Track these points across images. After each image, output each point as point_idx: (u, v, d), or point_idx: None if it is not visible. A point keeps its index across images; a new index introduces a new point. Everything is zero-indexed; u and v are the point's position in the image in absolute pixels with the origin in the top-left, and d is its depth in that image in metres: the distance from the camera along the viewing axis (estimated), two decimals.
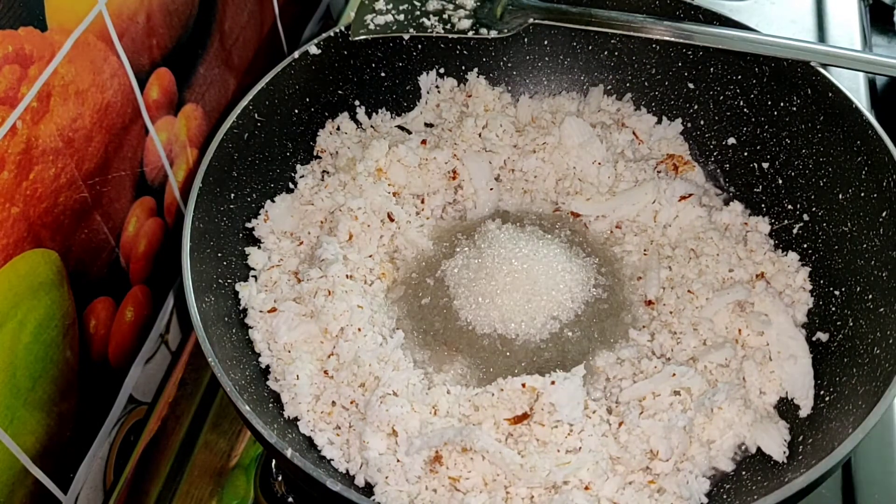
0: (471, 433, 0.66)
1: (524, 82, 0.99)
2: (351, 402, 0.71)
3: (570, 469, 0.66)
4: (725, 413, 0.71)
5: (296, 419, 0.71)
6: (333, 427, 0.71)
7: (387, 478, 0.66)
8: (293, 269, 0.81)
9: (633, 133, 0.94)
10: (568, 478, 0.66)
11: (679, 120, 0.94)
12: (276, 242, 0.83)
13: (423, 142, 0.89)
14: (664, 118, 0.95)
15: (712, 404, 0.71)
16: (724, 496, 0.68)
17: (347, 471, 0.69)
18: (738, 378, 0.74)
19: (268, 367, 0.75)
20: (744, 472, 0.71)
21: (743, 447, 0.72)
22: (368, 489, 0.68)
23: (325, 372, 0.73)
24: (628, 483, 0.68)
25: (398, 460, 0.66)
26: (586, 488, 0.66)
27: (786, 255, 0.82)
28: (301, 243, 0.83)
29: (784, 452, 0.70)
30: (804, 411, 0.73)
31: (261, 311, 0.77)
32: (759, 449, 0.71)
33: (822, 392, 0.73)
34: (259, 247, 0.82)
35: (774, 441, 0.70)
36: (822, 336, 0.77)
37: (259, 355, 0.75)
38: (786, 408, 0.74)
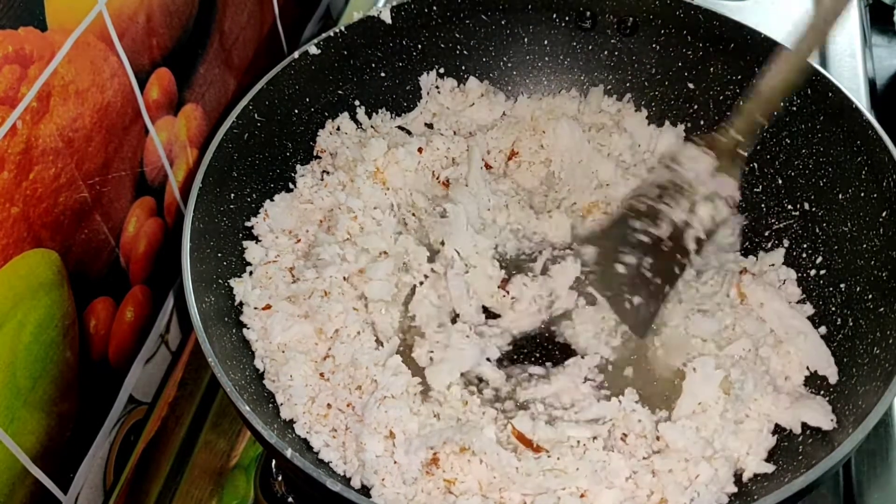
0: (469, 432, 0.66)
1: (524, 82, 0.99)
2: (347, 405, 0.70)
3: (566, 479, 0.66)
4: (761, 406, 0.71)
5: (292, 421, 0.71)
6: (330, 430, 0.71)
7: (383, 480, 0.66)
8: (289, 266, 0.80)
9: (632, 137, 0.94)
10: (564, 484, 0.66)
11: (681, 126, 0.94)
12: (273, 240, 0.82)
13: (420, 150, 0.89)
14: (666, 122, 0.95)
15: (745, 397, 0.70)
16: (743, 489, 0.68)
17: (344, 472, 0.69)
18: (762, 368, 0.74)
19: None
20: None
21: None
22: (365, 492, 0.68)
23: (321, 374, 0.73)
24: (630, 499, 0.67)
25: (395, 462, 0.66)
26: (582, 496, 0.66)
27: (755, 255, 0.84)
28: (299, 241, 0.83)
29: (831, 420, 0.69)
30: (832, 378, 0.72)
31: (255, 308, 0.76)
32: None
33: (822, 392, 0.73)
34: (257, 242, 0.82)
35: (818, 412, 0.69)
36: (821, 335, 0.77)
37: (260, 358, 0.75)
38: (815, 384, 0.74)
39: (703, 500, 0.66)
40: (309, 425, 0.71)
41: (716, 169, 0.74)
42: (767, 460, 0.69)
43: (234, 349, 0.73)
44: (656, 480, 0.67)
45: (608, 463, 0.67)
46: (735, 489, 0.68)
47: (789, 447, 0.70)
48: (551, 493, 0.65)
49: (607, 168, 0.90)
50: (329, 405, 0.71)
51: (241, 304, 0.77)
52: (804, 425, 0.70)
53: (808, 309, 0.79)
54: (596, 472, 0.66)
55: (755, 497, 0.66)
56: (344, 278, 0.78)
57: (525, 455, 0.67)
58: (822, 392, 0.73)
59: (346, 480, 0.68)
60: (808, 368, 0.74)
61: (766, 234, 0.86)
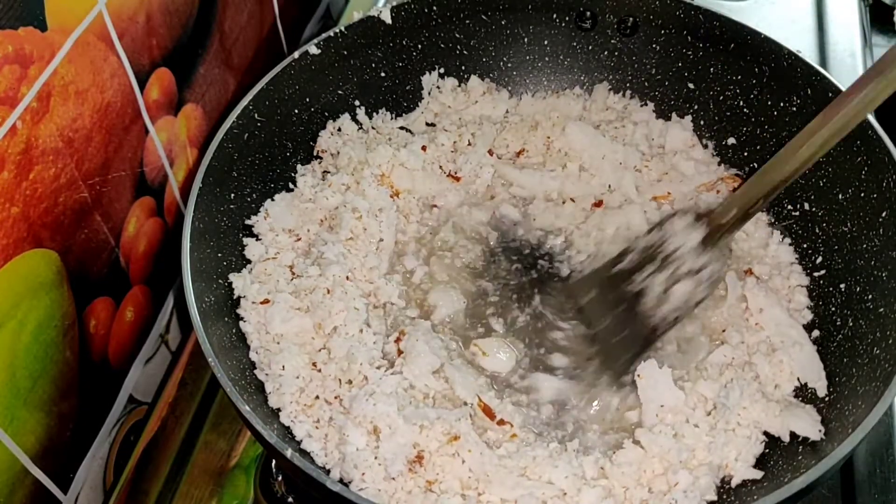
0: (456, 416, 0.67)
1: (524, 82, 0.99)
2: (335, 398, 0.70)
3: (537, 485, 0.66)
4: (750, 413, 0.70)
5: (278, 410, 0.71)
6: (313, 420, 0.70)
7: (363, 474, 0.65)
8: (288, 264, 0.80)
9: (647, 126, 0.94)
10: (542, 487, 0.66)
11: (689, 117, 0.94)
12: (274, 238, 0.82)
13: (423, 147, 0.90)
14: (673, 115, 0.95)
15: (732, 406, 0.70)
16: (726, 497, 0.68)
17: (325, 465, 0.68)
18: (751, 374, 0.74)
19: None
20: None
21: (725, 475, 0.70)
22: (343, 486, 0.67)
23: (314, 364, 0.73)
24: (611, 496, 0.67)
25: (376, 458, 0.66)
26: (564, 493, 0.66)
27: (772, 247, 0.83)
28: (299, 239, 0.83)
29: (820, 430, 0.69)
30: (821, 391, 0.73)
31: (253, 302, 0.76)
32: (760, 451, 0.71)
33: (811, 402, 0.73)
34: (258, 240, 0.82)
35: (807, 422, 0.69)
36: (821, 335, 0.77)
37: (255, 349, 0.75)
38: (804, 395, 0.74)
39: None
40: (294, 415, 0.70)
41: (702, 244, 0.72)
42: (757, 466, 0.69)
43: (235, 349, 0.73)
44: (633, 485, 0.67)
45: (583, 464, 0.68)
46: (715, 497, 0.67)
47: (781, 453, 0.70)
48: (532, 496, 0.65)
49: (633, 155, 0.90)
50: (317, 396, 0.71)
51: (239, 298, 0.77)
52: (792, 434, 0.70)
53: (807, 314, 0.79)
54: (575, 475, 0.67)
55: None
56: (346, 277, 0.78)
57: (503, 452, 0.68)
58: (811, 402, 0.73)
59: (325, 472, 0.68)
60: (798, 379, 0.74)
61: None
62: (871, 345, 0.70)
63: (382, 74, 0.94)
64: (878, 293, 0.73)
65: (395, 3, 0.90)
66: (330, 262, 0.78)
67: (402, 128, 0.95)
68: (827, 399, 0.72)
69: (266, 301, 0.76)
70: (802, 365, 0.74)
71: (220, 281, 0.77)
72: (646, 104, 0.96)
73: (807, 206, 0.83)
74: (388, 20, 0.90)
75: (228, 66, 0.92)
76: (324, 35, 0.87)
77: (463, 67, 0.97)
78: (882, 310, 0.71)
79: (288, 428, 0.70)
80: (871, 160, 0.76)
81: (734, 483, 0.68)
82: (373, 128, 0.94)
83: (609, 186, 0.90)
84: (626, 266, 0.75)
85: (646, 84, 0.96)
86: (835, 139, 0.64)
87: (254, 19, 0.96)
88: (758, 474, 0.68)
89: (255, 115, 0.82)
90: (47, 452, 0.69)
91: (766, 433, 0.71)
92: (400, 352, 0.74)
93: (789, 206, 0.85)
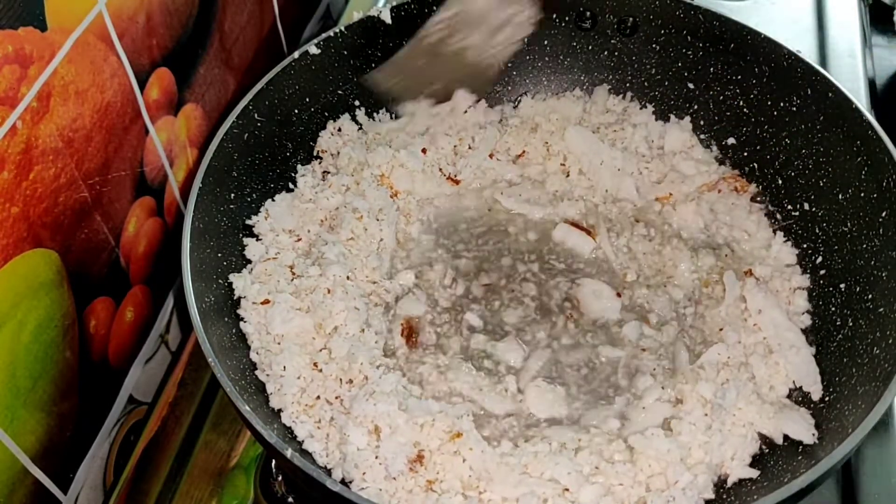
0: (458, 412, 0.67)
1: (524, 82, 0.99)
2: (336, 398, 0.70)
3: (539, 483, 0.66)
4: (745, 414, 0.71)
5: (279, 411, 0.71)
6: (315, 420, 0.70)
7: (364, 474, 0.65)
8: (289, 264, 0.80)
9: (646, 128, 0.94)
10: (543, 485, 0.66)
11: (687, 118, 0.94)
12: (274, 238, 0.82)
13: (424, 150, 0.90)
14: (671, 117, 0.95)
15: (728, 406, 0.70)
16: (725, 497, 0.68)
17: (326, 465, 0.68)
18: (746, 375, 0.74)
19: None
20: None
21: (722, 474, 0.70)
22: (345, 486, 0.67)
23: (315, 364, 0.73)
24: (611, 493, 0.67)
25: (377, 457, 0.66)
26: (565, 490, 0.66)
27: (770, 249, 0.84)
28: (299, 239, 0.83)
29: (813, 434, 0.69)
30: (816, 395, 0.73)
31: (254, 303, 0.76)
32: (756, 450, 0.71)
33: (806, 405, 0.73)
34: (258, 240, 0.82)
35: (800, 425, 0.70)
36: (821, 336, 0.77)
37: (255, 350, 0.75)
38: (799, 398, 0.74)
39: None
40: (295, 415, 0.70)
41: None
42: (755, 466, 0.69)
43: (235, 349, 0.73)
44: (630, 483, 0.67)
45: (582, 465, 0.68)
46: (713, 496, 0.67)
47: (780, 454, 0.70)
48: (533, 494, 0.65)
49: (630, 161, 0.90)
50: (318, 397, 0.71)
51: (239, 298, 0.77)
52: (785, 437, 0.70)
53: (806, 319, 0.79)
54: (577, 471, 0.67)
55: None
56: (347, 277, 0.78)
57: (505, 449, 0.68)
58: (806, 406, 0.73)
59: (327, 472, 0.68)
60: (794, 382, 0.74)
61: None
62: (870, 345, 0.70)
63: None
64: (878, 293, 0.73)
65: (395, 3, 0.90)
66: (330, 262, 0.78)
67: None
68: (826, 400, 0.72)
69: (266, 301, 0.76)
70: (798, 368, 0.74)
71: (220, 281, 0.77)
72: (645, 106, 0.96)
73: (807, 206, 0.83)
74: (388, 20, 0.90)
75: (228, 66, 0.92)
76: (324, 35, 0.87)
77: None
78: (882, 310, 0.71)
79: (290, 428, 0.70)
80: (871, 160, 0.76)
81: (730, 482, 0.68)
82: (374, 129, 0.94)
83: (607, 191, 0.90)
84: (439, 35, 0.79)
85: (646, 84, 0.96)
86: None
87: (254, 19, 0.96)
88: (753, 473, 0.68)
89: (255, 115, 0.82)
90: (47, 452, 0.69)
91: (760, 434, 0.71)
92: (410, 337, 0.76)
93: (789, 206, 0.85)
